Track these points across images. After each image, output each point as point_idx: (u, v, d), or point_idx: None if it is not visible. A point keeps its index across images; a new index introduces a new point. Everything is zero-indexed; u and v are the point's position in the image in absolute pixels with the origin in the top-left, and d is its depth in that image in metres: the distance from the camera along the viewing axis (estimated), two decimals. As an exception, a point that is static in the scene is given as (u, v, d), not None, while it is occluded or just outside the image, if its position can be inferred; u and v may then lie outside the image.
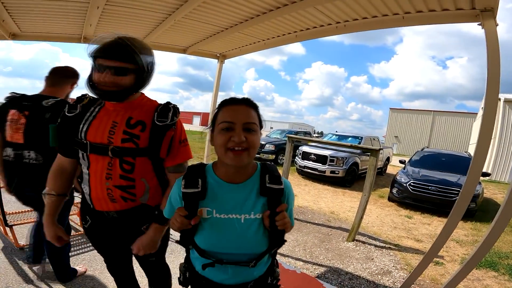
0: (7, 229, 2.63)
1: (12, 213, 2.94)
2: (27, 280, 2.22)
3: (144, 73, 1.15)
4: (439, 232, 4.38)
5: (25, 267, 2.36)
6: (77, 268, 2.36)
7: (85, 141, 1.15)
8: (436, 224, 5.14)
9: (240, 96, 0.95)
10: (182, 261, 1.06)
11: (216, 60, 3.87)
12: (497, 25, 1.63)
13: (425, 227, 4.95)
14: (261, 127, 0.95)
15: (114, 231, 1.28)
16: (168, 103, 1.24)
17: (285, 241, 0.96)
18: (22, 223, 2.69)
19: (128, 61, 1.09)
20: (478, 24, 1.70)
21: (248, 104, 0.91)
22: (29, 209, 2.81)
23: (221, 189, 0.91)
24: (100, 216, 1.25)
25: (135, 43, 1.11)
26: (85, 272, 2.40)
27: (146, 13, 2.48)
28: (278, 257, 3.13)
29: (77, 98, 1.27)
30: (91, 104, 1.23)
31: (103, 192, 1.17)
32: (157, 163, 1.21)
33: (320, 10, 2.24)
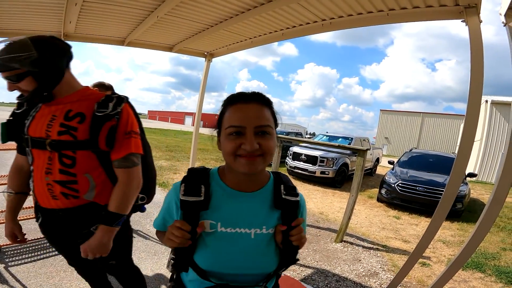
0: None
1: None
2: (2, 280, 2.15)
3: (40, 71, 1.06)
4: (426, 232, 4.33)
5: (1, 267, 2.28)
6: None
7: (27, 136, 1.14)
8: (423, 225, 5.17)
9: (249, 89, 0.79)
10: (165, 263, 0.95)
11: (204, 59, 3.80)
12: (481, 21, 1.62)
13: (413, 227, 4.97)
14: (276, 126, 0.80)
15: (65, 231, 1.21)
16: (113, 93, 1.19)
17: (298, 260, 0.83)
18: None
19: (9, 69, 1.03)
20: (462, 21, 1.69)
21: (260, 101, 0.76)
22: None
23: (229, 198, 0.78)
24: (49, 213, 1.18)
25: (11, 48, 1.03)
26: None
27: (127, 10, 2.41)
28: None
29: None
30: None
31: (44, 188, 1.12)
32: (105, 158, 1.14)
33: (305, 7, 2.21)
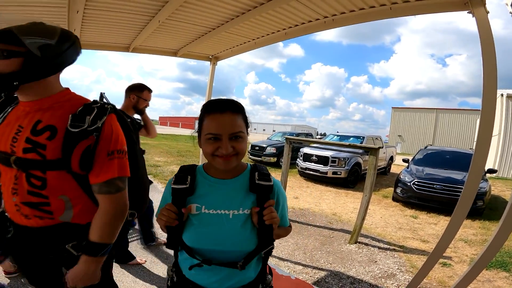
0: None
1: None
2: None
3: (36, 58, 0.89)
4: (445, 231, 4.17)
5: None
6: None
7: None
8: (443, 224, 4.97)
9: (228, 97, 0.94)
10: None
11: (209, 62, 3.81)
12: (487, 12, 1.54)
13: (431, 227, 4.79)
14: (247, 127, 0.95)
15: (38, 248, 1.04)
16: (94, 102, 1.00)
17: (274, 241, 0.95)
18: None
19: (7, 41, 0.87)
20: (468, 12, 1.60)
21: (233, 110, 0.89)
22: None
23: (211, 185, 0.93)
24: (22, 229, 1.02)
25: (37, 27, 0.93)
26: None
27: (129, 15, 2.44)
28: (275, 261, 3.04)
29: None
30: (7, 103, 1.04)
31: (12, 208, 0.97)
32: (85, 179, 0.97)
33: (307, 5, 2.18)
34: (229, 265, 0.89)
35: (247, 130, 0.93)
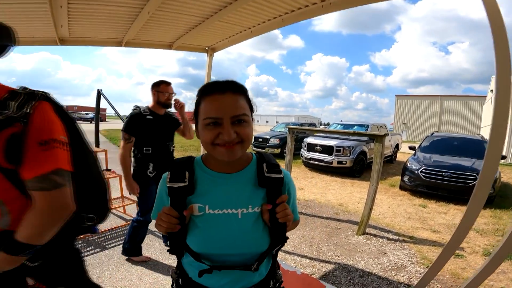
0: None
1: None
2: None
3: None
4: (457, 221, 4.10)
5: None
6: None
7: None
8: (453, 213, 4.85)
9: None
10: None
11: (206, 54, 3.67)
12: None
13: (441, 216, 4.67)
14: (252, 111, 0.82)
15: None
16: (23, 88, 0.89)
17: (287, 238, 0.84)
18: None
19: None
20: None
21: (234, 91, 0.77)
22: None
23: (213, 181, 0.81)
24: None
25: None
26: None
27: (116, 8, 2.32)
28: (281, 255, 2.96)
29: None
30: None
31: None
32: (18, 178, 0.84)
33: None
34: (242, 268, 0.79)
35: (251, 115, 0.81)
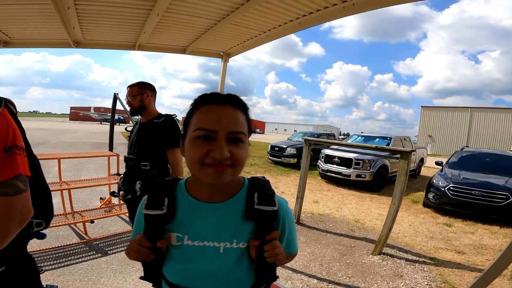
0: None
1: None
2: None
3: None
4: (485, 242, 3.71)
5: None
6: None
7: None
8: (481, 233, 4.44)
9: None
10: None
11: (220, 59, 3.64)
12: None
13: (468, 236, 4.28)
14: (250, 134, 0.72)
15: None
16: None
17: (277, 276, 0.75)
18: None
19: None
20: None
21: (235, 105, 0.68)
22: None
23: (195, 210, 0.71)
24: None
25: None
26: None
27: (124, 10, 2.30)
28: (287, 273, 2.77)
29: None
30: None
31: None
32: None
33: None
34: None
35: (249, 136, 0.71)
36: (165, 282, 0.73)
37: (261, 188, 0.74)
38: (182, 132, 0.72)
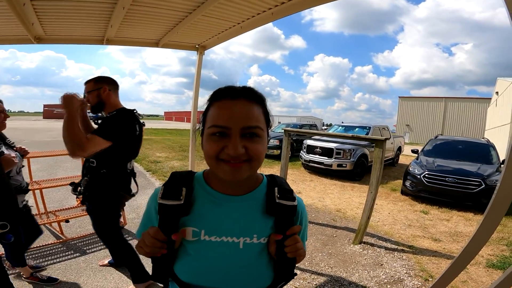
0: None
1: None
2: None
3: None
4: (459, 228, 3.83)
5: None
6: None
7: None
8: (456, 220, 4.63)
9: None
10: None
11: (196, 52, 3.51)
12: None
13: (444, 223, 4.46)
14: (268, 126, 0.71)
15: None
16: None
17: (296, 274, 0.74)
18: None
19: None
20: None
21: (249, 98, 0.65)
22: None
23: (214, 203, 0.69)
24: None
25: None
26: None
27: (87, 4, 2.17)
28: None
29: None
30: None
31: None
32: None
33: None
34: None
35: (267, 130, 0.69)
36: (175, 282, 0.69)
37: (280, 184, 0.74)
38: (201, 128, 0.70)
